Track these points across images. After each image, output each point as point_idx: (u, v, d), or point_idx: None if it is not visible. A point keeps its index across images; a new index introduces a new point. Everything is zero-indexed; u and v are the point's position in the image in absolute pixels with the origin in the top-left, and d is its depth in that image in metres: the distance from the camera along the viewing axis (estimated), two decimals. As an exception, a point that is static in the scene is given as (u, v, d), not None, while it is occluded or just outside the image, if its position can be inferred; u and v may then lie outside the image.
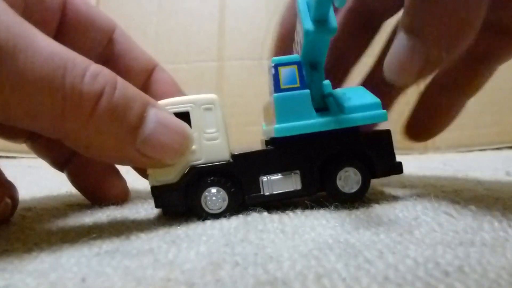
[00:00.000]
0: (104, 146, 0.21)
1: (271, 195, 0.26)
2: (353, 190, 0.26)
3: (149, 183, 0.25)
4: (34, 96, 0.19)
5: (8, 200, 0.25)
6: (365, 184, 0.26)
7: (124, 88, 0.21)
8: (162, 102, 0.24)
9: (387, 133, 0.27)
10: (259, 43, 0.79)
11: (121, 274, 0.17)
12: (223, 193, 0.25)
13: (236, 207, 0.26)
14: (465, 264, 0.16)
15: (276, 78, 0.26)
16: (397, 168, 0.27)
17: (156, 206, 0.25)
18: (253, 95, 0.68)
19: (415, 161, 0.57)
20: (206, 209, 0.25)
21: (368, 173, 0.26)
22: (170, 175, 0.25)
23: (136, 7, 0.82)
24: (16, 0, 0.22)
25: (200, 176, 0.25)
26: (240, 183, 0.26)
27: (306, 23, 0.23)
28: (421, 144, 0.73)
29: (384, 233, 0.21)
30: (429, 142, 0.73)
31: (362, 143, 0.27)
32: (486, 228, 0.21)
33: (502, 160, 0.54)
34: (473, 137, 0.73)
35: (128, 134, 0.21)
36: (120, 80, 0.21)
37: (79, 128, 0.20)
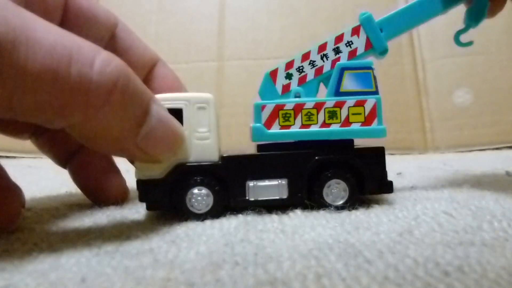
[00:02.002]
0: (107, 138, 0.21)
1: (256, 201, 0.25)
2: (339, 203, 0.26)
3: (135, 176, 0.25)
4: (38, 89, 0.18)
5: (23, 210, 0.24)
6: (351, 198, 0.26)
7: (136, 81, 0.21)
8: (157, 96, 0.24)
9: (381, 150, 0.27)
10: (259, 43, 0.79)
11: (121, 274, 0.17)
12: (208, 194, 0.25)
13: (220, 209, 0.25)
14: (465, 264, 0.16)
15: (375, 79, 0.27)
16: (387, 187, 0.27)
17: (140, 200, 0.25)
18: (253, 95, 0.68)
19: (415, 161, 0.57)
20: (191, 208, 0.25)
21: (356, 188, 0.26)
22: (156, 171, 0.25)
23: (136, 6, 0.83)
24: None
25: (187, 175, 0.25)
26: (227, 185, 0.25)
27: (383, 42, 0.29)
28: (421, 144, 0.73)
29: (384, 233, 0.21)
30: (429, 142, 0.73)
31: (355, 157, 0.26)
32: (486, 228, 0.21)
33: (502, 160, 0.54)
34: (473, 137, 0.73)
35: (132, 129, 0.21)
36: (132, 72, 0.21)
37: (86, 120, 0.19)
